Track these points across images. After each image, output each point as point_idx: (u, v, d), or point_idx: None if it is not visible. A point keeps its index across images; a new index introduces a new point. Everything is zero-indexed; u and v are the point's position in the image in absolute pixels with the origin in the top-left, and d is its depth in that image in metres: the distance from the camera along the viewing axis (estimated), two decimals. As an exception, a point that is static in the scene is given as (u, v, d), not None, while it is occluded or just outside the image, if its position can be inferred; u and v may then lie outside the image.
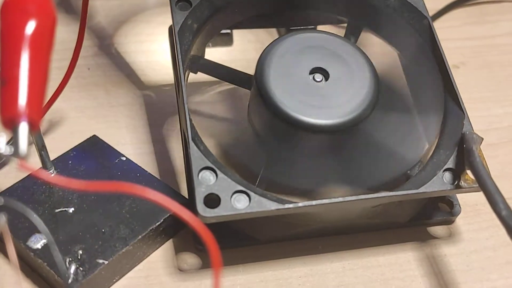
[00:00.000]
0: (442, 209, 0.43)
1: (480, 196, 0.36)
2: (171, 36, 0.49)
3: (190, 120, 0.38)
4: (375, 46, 0.48)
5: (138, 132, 0.48)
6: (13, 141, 0.22)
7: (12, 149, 0.22)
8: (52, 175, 0.41)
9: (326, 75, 0.41)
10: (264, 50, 0.42)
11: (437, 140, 0.41)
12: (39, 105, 0.23)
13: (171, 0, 0.43)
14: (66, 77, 0.44)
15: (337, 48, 0.42)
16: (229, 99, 0.49)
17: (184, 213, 0.24)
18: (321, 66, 0.41)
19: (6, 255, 0.39)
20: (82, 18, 0.41)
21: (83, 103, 0.50)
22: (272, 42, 0.43)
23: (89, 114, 0.49)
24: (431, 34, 0.44)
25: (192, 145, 0.37)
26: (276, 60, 0.41)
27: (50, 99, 0.43)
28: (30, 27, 0.23)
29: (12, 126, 0.23)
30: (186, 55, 0.42)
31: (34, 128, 0.23)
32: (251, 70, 0.42)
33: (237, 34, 0.55)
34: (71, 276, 0.36)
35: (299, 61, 0.41)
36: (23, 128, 0.22)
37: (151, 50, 0.56)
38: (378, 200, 0.38)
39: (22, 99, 0.22)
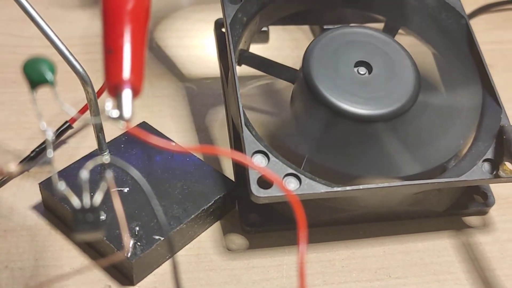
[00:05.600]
0: (476, 200, 0.45)
1: (512, 189, 0.37)
2: (217, 30, 0.51)
3: (242, 106, 0.40)
4: (410, 46, 0.49)
5: (182, 121, 0.50)
6: (117, 105, 0.24)
7: (118, 113, 0.24)
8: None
9: (369, 69, 0.43)
10: (310, 44, 0.44)
11: (474, 133, 0.43)
12: (141, 73, 0.25)
13: (223, -7, 0.44)
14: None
15: (380, 44, 0.44)
16: (267, 93, 0.51)
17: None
18: (365, 60, 0.43)
19: (62, 230, 0.41)
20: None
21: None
22: (318, 37, 0.44)
23: (135, 104, 0.51)
24: (468, 33, 0.46)
25: (245, 129, 0.39)
26: (322, 54, 0.43)
27: (101, 88, 0.45)
28: (130, 3, 0.25)
29: (116, 93, 0.24)
30: (235, 47, 0.44)
31: (136, 94, 0.25)
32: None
33: (272, 31, 0.57)
34: (130, 250, 0.37)
35: (344, 54, 0.43)
36: (127, 94, 0.24)
37: (191, 45, 0.59)
38: (421, 186, 0.39)
39: (126, 67, 0.24)
